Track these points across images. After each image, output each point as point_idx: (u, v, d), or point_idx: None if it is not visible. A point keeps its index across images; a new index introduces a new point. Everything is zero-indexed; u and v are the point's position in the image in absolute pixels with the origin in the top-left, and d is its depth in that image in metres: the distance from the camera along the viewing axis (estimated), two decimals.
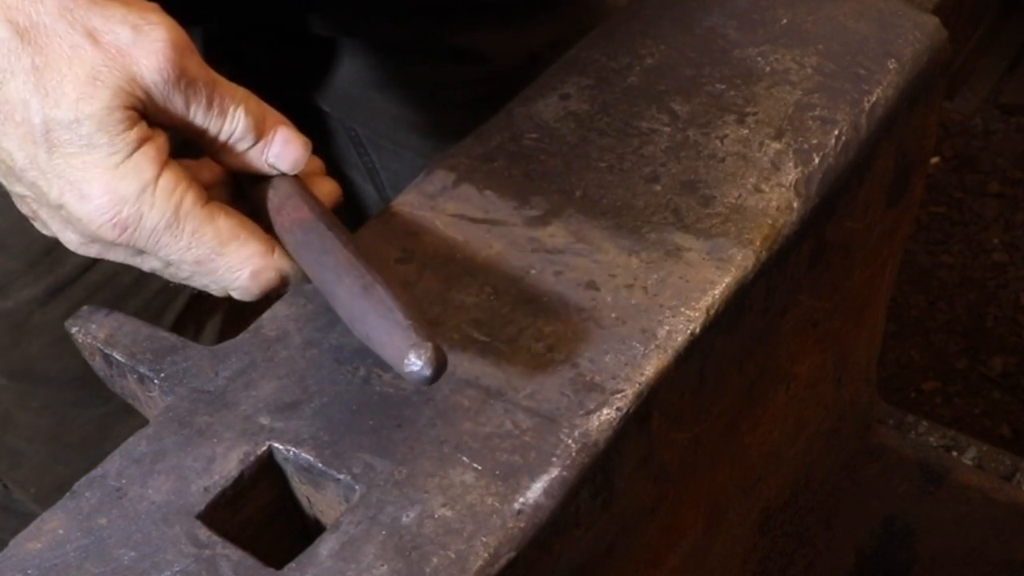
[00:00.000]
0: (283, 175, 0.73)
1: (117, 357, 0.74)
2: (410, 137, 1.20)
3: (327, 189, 0.76)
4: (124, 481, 0.66)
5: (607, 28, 0.94)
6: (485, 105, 1.18)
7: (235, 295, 0.72)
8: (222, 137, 0.70)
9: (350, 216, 1.45)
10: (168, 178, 0.68)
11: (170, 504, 0.65)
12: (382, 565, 0.62)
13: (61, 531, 0.64)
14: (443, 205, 0.81)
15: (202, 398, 0.70)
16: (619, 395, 0.70)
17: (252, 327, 0.74)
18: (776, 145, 0.84)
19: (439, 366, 0.63)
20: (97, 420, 1.11)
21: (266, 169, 0.72)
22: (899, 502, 1.14)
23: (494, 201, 0.81)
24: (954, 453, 1.63)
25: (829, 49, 0.91)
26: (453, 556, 0.62)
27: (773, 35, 0.92)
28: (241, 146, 0.71)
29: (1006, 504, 1.14)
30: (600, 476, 0.69)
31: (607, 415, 0.69)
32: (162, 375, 0.72)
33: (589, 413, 0.69)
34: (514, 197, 0.81)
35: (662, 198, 0.81)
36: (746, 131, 0.85)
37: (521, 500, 0.65)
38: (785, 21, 0.93)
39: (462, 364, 0.71)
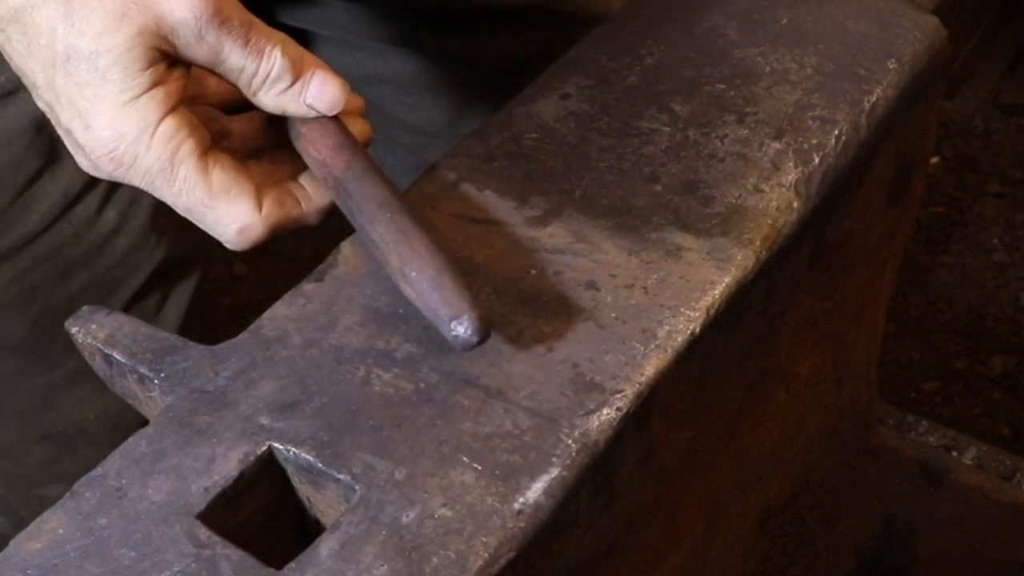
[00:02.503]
0: (325, 117, 0.75)
1: (117, 357, 0.74)
2: (400, 134, 1.20)
3: (358, 128, 0.78)
4: (124, 481, 0.66)
5: (607, 28, 0.94)
6: (474, 104, 1.17)
7: (225, 245, 0.74)
8: (259, 77, 0.72)
9: (303, 227, 1.45)
10: (170, 124, 0.69)
11: (170, 504, 0.65)
12: (382, 565, 0.62)
13: (61, 531, 0.64)
14: (443, 205, 0.81)
15: (202, 398, 0.70)
16: (619, 395, 0.70)
17: (252, 327, 0.74)
18: (776, 145, 0.84)
19: (485, 332, 0.68)
20: (41, 389, 1.11)
21: (304, 111, 0.74)
22: (899, 502, 1.14)
23: (494, 201, 0.81)
24: (954, 453, 1.63)
25: (829, 49, 0.91)
26: (453, 556, 0.62)
27: (773, 35, 0.92)
28: (278, 87, 0.72)
29: (1006, 504, 1.14)
30: (600, 476, 0.69)
31: (607, 415, 0.69)
32: (162, 375, 0.72)
33: (589, 413, 0.69)
34: (514, 197, 0.81)
35: (662, 198, 0.81)
36: (746, 131, 0.85)
37: (521, 500, 0.65)
38: (785, 21, 0.93)
39: (462, 364, 0.71)
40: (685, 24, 0.93)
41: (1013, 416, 2.02)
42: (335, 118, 0.75)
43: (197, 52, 0.70)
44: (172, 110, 0.70)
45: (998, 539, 1.12)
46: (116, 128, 0.69)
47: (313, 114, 0.74)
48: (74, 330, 0.75)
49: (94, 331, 0.75)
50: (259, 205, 0.73)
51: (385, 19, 1.14)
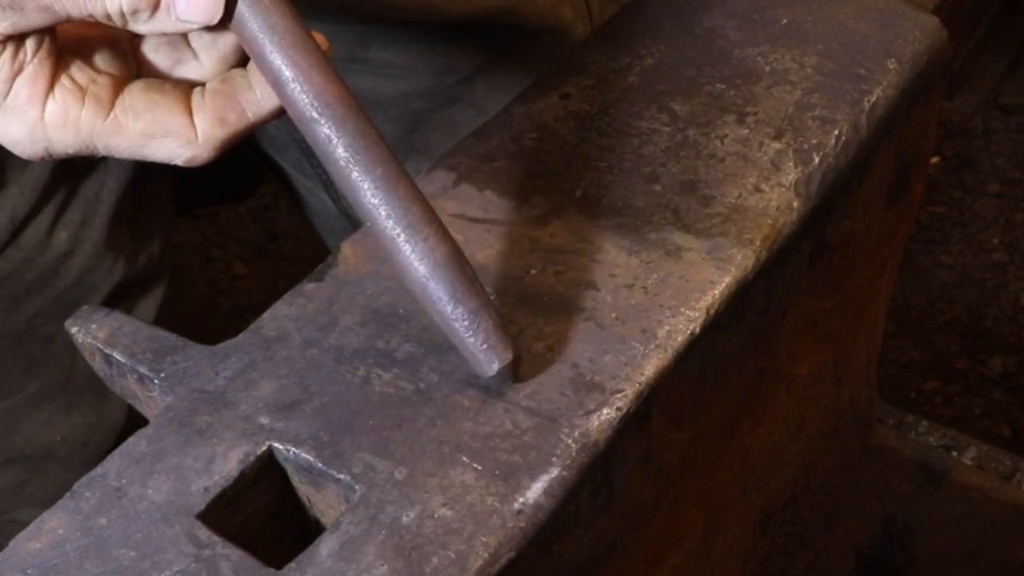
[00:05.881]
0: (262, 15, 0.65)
1: (117, 357, 0.74)
2: None
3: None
4: (124, 481, 0.66)
5: (607, 28, 0.94)
6: (427, 117, 1.17)
7: None
8: (115, 16, 0.64)
9: (304, 227, 1.42)
10: (53, 110, 0.65)
11: (170, 504, 0.65)
12: (382, 565, 0.62)
13: (61, 531, 0.64)
14: (443, 205, 0.81)
15: (202, 398, 0.70)
16: (619, 395, 0.70)
17: (252, 327, 0.74)
18: (776, 145, 0.84)
19: (515, 373, 0.69)
20: (3, 413, 1.09)
21: (183, 28, 0.65)
22: (899, 502, 1.14)
23: (494, 201, 0.81)
24: (954, 453, 1.63)
25: (829, 49, 0.91)
26: (453, 556, 0.62)
27: (773, 35, 0.92)
28: (141, 17, 0.64)
29: (1006, 504, 1.14)
30: (600, 476, 0.69)
31: (607, 415, 0.69)
32: (162, 375, 0.72)
33: (589, 413, 0.69)
34: (514, 197, 0.81)
35: (662, 198, 0.81)
36: (746, 131, 0.85)
37: (521, 500, 0.65)
38: (785, 21, 0.93)
39: (462, 364, 0.71)
40: (685, 24, 0.93)
41: (1013, 416, 2.02)
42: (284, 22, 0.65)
43: (33, 21, 0.63)
44: (50, 90, 0.65)
45: (998, 539, 1.12)
46: (7, 138, 0.65)
47: (195, 28, 0.65)
48: (74, 330, 0.75)
49: (94, 331, 0.75)
50: (193, 134, 0.67)
51: (333, 36, 1.13)
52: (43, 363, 1.07)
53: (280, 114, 0.69)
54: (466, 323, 0.67)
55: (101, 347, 0.74)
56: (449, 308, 0.67)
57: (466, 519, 0.64)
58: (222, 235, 2.38)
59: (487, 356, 0.68)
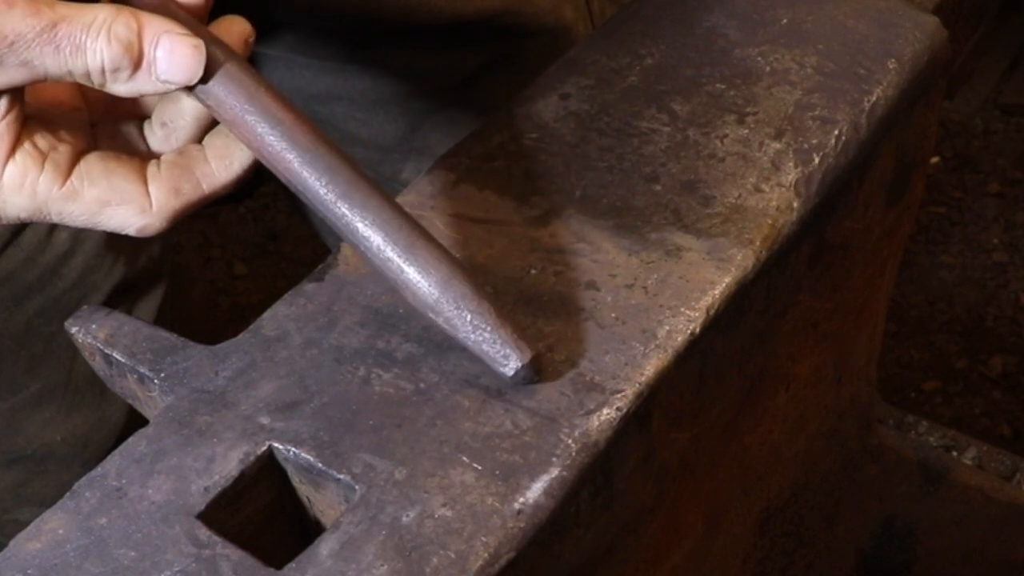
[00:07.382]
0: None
1: (117, 357, 0.74)
2: (355, 150, 1.18)
3: (237, 29, 0.68)
4: (124, 481, 0.66)
5: (607, 28, 0.94)
6: (427, 116, 1.17)
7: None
8: (95, 74, 0.63)
9: (304, 227, 1.43)
10: (13, 173, 0.65)
11: (170, 504, 0.65)
12: (382, 565, 0.62)
13: (61, 531, 0.64)
14: (443, 205, 0.81)
15: (202, 398, 0.70)
16: (619, 395, 0.70)
17: (252, 327, 0.74)
18: (776, 145, 0.84)
19: (538, 369, 0.69)
20: (4, 414, 1.09)
21: (163, 88, 0.64)
22: (899, 502, 1.14)
23: (494, 201, 0.81)
24: (954, 453, 1.63)
25: (829, 49, 0.91)
26: (453, 556, 0.62)
27: (773, 35, 0.92)
28: (121, 76, 0.63)
29: (1006, 504, 1.14)
30: (600, 476, 0.69)
31: (607, 415, 0.69)
32: (162, 375, 0.72)
33: (589, 413, 0.69)
34: (514, 197, 0.81)
35: (662, 198, 0.81)
36: (746, 131, 0.85)
37: (521, 500, 0.65)
38: (785, 21, 0.93)
39: (462, 364, 0.71)
40: (685, 24, 0.93)
41: (1013, 416, 2.02)
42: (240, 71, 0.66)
43: (12, 77, 0.62)
44: (11, 152, 0.64)
45: (998, 539, 1.12)
46: None
47: (174, 88, 0.64)
48: (74, 330, 0.75)
49: (94, 331, 0.75)
50: (148, 202, 0.67)
51: (334, 37, 1.13)
52: (44, 363, 1.07)
53: (231, 187, 0.70)
54: (492, 319, 0.68)
55: (101, 347, 0.74)
56: (473, 305, 0.68)
57: (466, 519, 0.64)
58: (222, 235, 2.38)
59: (518, 345, 0.68)
